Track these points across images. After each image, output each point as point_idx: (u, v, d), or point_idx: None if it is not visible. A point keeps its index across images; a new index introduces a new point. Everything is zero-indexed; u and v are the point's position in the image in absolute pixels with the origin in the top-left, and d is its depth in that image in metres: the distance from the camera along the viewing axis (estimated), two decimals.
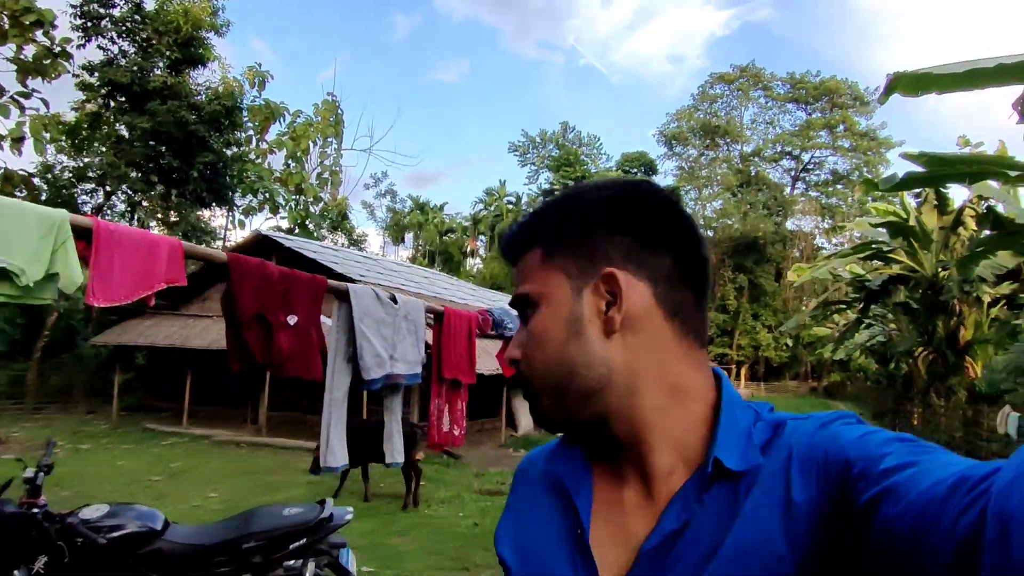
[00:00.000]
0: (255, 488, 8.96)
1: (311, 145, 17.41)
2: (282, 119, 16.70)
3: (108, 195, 18.85)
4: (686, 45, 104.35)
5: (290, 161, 18.10)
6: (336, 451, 3.09)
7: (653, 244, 0.66)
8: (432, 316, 3.87)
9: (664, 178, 52.37)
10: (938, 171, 10.44)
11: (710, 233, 50.14)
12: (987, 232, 14.86)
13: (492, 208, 45.63)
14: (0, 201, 1.74)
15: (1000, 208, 14.74)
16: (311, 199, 18.08)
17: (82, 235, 1.95)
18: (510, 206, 42.48)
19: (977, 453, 12.08)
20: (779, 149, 53.36)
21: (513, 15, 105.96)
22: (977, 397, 13.87)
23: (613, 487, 0.68)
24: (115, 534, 3.21)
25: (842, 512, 0.52)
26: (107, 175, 17.63)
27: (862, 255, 18.52)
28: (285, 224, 19.12)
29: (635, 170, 44.49)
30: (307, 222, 18.76)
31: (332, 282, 3.02)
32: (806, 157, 53.41)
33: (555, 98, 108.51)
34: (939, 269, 15.91)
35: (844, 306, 23.07)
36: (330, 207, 20.13)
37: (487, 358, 7.88)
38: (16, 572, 3.10)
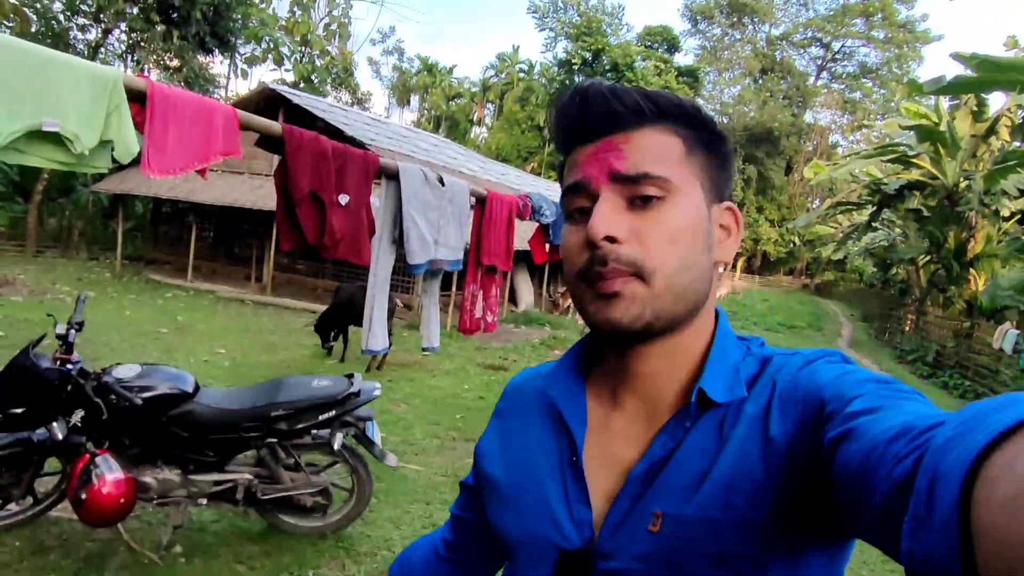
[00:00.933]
0: (259, 347, 9.12)
1: None
2: None
3: (105, 32, 17.72)
4: None
5: (295, 8, 16.87)
6: (378, 334, 3.03)
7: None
8: (474, 199, 3.70)
9: (685, 56, 49.92)
10: (988, 76, 9.94)
11: (725, 120, 48.61)
12: (1018, 144, 14.41)
13: (503, 75, 43.52)
14: (52, 57, 1.51)
15: None
16: (317, 52, 16.98)
17: (135, 98, 1.74)
18: (522, 74, 40.52)
19: (965, 364, 12.39)
20: (809, 35, 50.47)
21: None
22: (975, 310, 14.01)
23: (607, 412, 0.70)
24: (149, 394, 3.22)
25: (813, 448, 0.54)
26: (103, 9, 16.46)
27: (885, 158, 18.02)
28: (289, 77, 18.13)
29: (656, 45, 42.16)
30: (312, 76, 17.76)
31: (383, 160, 2.82)
32: (836, 46, 50.65)
33: None
34: (961, 178, 15.54)
35: (853, 207, 22.81)
36: (336, 61, 19.00)
37: None
38: (54, 423, 3.14)
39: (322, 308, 9.22)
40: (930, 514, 0.36)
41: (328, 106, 14.91)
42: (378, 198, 2.96)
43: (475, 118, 47.09)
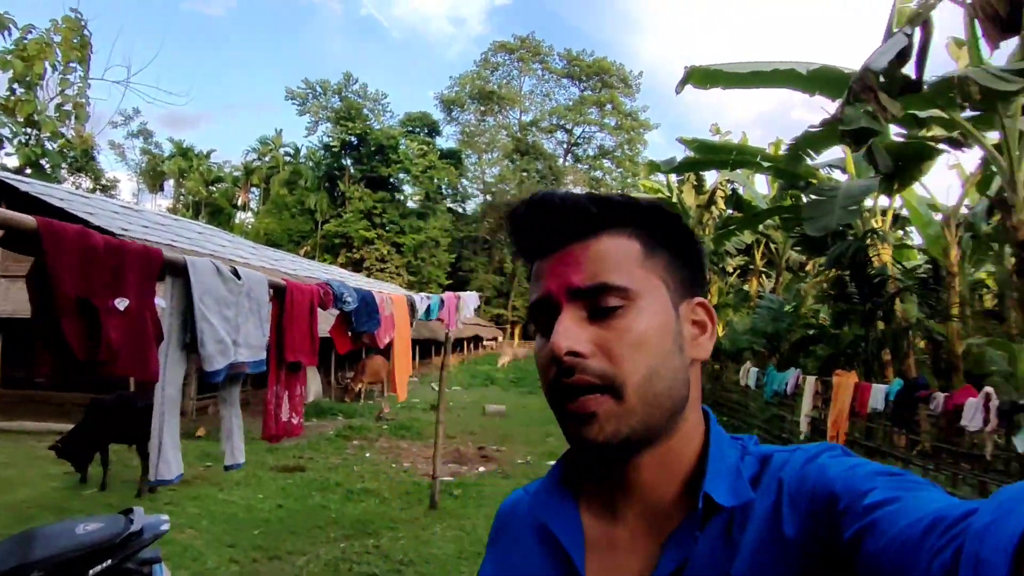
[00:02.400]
0: None
1: (48, 69, 14.21)
2: (6, 33, 13.37)
3: None
4: (467, 8, 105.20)
5: (16, 86, 14.69)
6: (171, 460, 2.54)
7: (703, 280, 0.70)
8: (272, 291, 3.37)
9: (446, 141, 52.81)
10: (706, 157, 11.82)
11: (488, 198, 51.89)
12: (730, 212, 17.23)
13: (267, 158, 41.99)
14: None
15: (741, 191, 17.20)
16: (47, 134, 14.84)
17: None
18: (288, 158, 39.49)
19: (722, 403, 14.10)
20: (554, 121, 56.57)
21: None
22: (721, 354, 16.14)
23: (604, 526, 0.66)
24: None
25: (831, 546, 0.52)
26: None
27: None
28: (13, 162, 15.51)
29: (419, 130, 44.00)
30: (42, 161, 15.38)
31: (168, 255, 2.44)
32: (577, 131, 57.34)
33: (333, 47, 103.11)
34: None
35: None
36: (73, 145, 16.70)
37: None
38: None
39: (70, 426, 7.71)
40: None
41: (66, 194, 13.00)
42: (163, 299, 2.54)
43: (239, 203, 44.55)
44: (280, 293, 3.43)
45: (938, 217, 10.85)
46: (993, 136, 7.05)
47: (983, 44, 6.83)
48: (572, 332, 0.61)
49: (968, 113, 7.04)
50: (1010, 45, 6.17)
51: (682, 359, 0.63)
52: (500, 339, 44.10)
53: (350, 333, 4.61)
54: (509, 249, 47.34)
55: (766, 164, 10.88)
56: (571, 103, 55.95)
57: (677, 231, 0.66)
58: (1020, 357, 8.47)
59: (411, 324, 5.73)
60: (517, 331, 49.69)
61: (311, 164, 38.86)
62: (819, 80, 7.30)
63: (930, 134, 8.32)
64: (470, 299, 7.44)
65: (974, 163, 9.91)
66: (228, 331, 2.74)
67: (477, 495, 7.27)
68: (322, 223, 36.28)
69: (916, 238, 13.02)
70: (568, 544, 0.65)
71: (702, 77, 7.96)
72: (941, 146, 8.38)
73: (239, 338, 2.85)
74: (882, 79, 3.38)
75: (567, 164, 57.34)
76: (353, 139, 36.57)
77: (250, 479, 7.88)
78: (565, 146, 58.08)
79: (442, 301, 6.51)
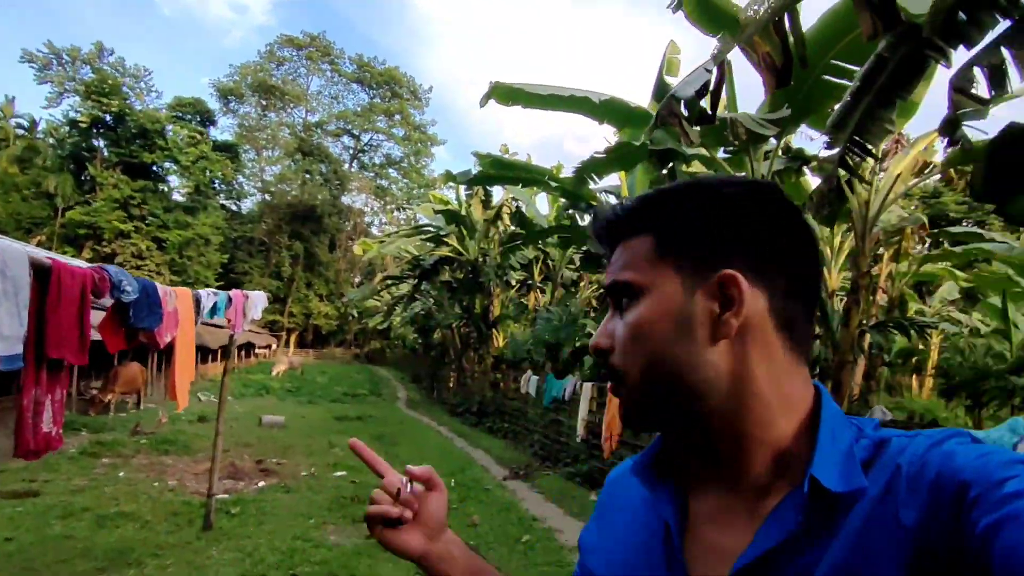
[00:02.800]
0: None
1: None
2: None
3: None
4: None
5: None
6: None
7: (775, 252, 0.64)
8: (32, 272, 2.79)
9: (222, 133, 48.64)
10: (500, 173, 12.30)
11: (267, 197, 48.79)
12: (514, 228, 18.11)
13: None
14: None
15: (524, 209, 18.19)
16: None
17: None
18: (20, 131, 33.13)
19: (503, 410, 14.67)
20: (341, 125, 55.04)
21: None
22: (502, 363, 16.82)
23: (704, 500, 0.67)
24: None
25: (955, 537, 0.50)
26: None
27: (423, 237, 20.56)
28: None
29: (189, 116, 39.76)
30: None
31: None
32: (365, 138, 56.39)
33: (86, 11, 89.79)
34: (480, 255, 18.74)
35: (397, 281, 25.27)
36: None
37: None
38: None
39: None
40: None
41: None
42: None
43: None
44: (43, 275, 2.85)
45: None
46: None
47: (737, 95, 8.04)
48: (601, 329, 0.68)
49: (723, 155, 8.20)
50: (759, 99, 7.35)
51: (693, 344, 0.62)
52: (274, 347, 41.46)
53: (124, 329, 4.00)
54: (288, 253, 44.95)
55: (553, 184, 11.60)
56: (360, 109, 54.90)
57: (702, 207, 0.65)
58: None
59: (196, 323, 5.13)
60: (293, 339, 47.13)
61: (52, 141, 33.09)
62: (608, 110, 7.98)
63: (691, 170, 9.53)
64: (258, 299, 6.87)
65: None
66: None
67: (258, 512, 6.69)
68: (63, 210, 31.06)
69: None
70: (667, 514, 0.67)
71: (505, 94, 8.27)
72: None
73: None
74: (684, 108, 3.83)
75: (353, 170, 56.05)
76: (108, 117, 31.95)
77: None
78: (352, 151, 56.76)
79: (230, 299, 5.94)
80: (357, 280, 52.43)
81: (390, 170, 57.26)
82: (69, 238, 31.36)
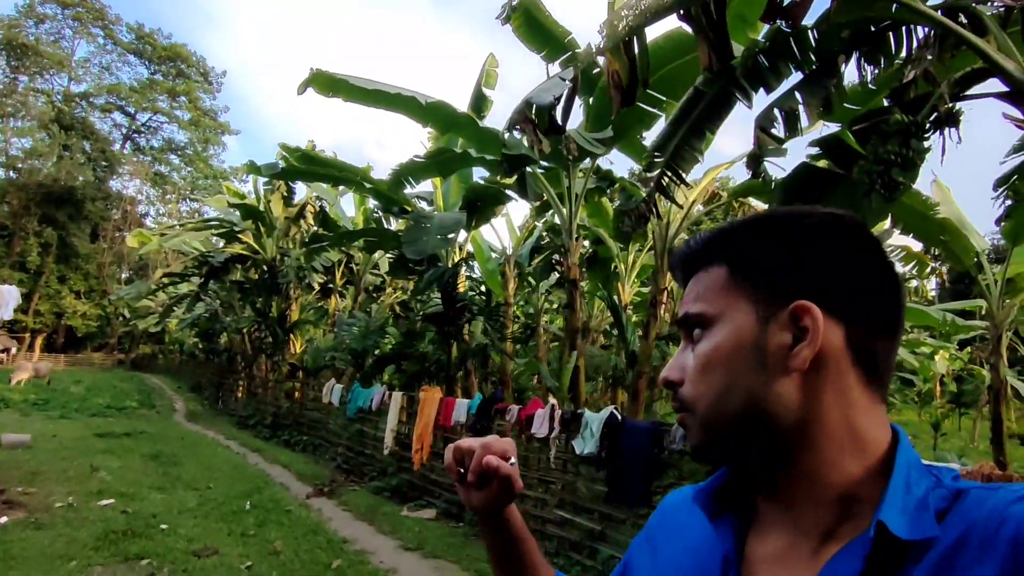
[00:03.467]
0: None
1: None
2: None
3: None
4: None
5: None
6: None
7: (853, 284, 0.63)
8: None
9: None
10: (310, 168, 11.59)
11: (12, 175, 41.32)
12: (316, 228, 17.21)
13: None
14: None
15: (328, 209, 17.36)
16: None
17: None
18: None
19: (302, 421, 13.75)
20: (113, 100, 48.42)
21: None
22: (300, 370, 15.78)
23: (764, 538, 0.65)
24: None
25: None
26: None
27: (215, 232, 18.71)
28: None
29: None
30: None
31: None
32: (142, 118, 50.24)
33: None
34: (279, 254, 17.51)
35: (179, 279, 22.74)
36: None
37: None
38: None
39: None
40: None
41: None
42: None
43: None
44: None
45: (494, 255, 12.79)
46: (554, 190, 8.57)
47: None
48: (672, 362, 0.69)
49: (540, 170, 8.44)
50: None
51: (764, 374, 0.61)
52: (13, 351, 35.08)
53: None
54: (36, 240, 38.40)
55: (368, 185, 11.16)
56: (137, 84, 48.74)
57: (776, 238, 0.65)
58: (548, 372, 10.32)
59: None
60: (39, 342, 40.23)
61: None
62: (434, 113, 7.80)
63: (505, 181, 9.70)
64: (9, 294, 5.64)
65: (521, 213, 12.00)
66: None
67: (2, 555, 5.44)
68: None
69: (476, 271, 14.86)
70: (727, 550, 0.66)
71: (326, 83, 7.72)
72: (509, 192, 9.83)
73: None
74: (537, 116, 3.80)
75: (126, 151, 49.62)
76: None
77: None
78: (125, 131, 50.21)
79: None
80: (125, 276, 46.38)
81: (171, 156, 51.56)
82: None
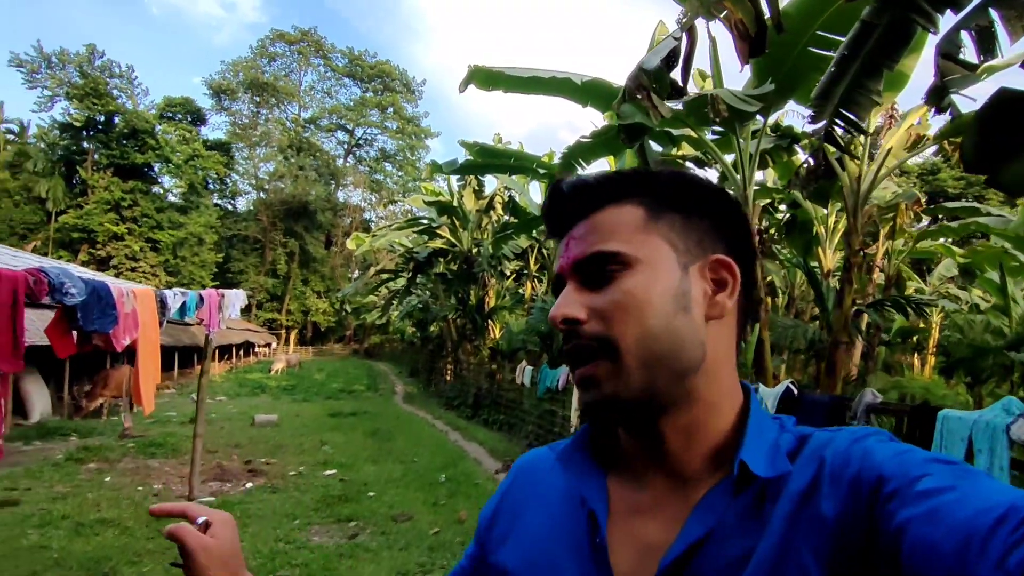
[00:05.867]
0: None
1: None
2: None
3: None
4: None
5: None
6: None
7: (747, 251, 0.67)
8: None
9: (214, 131, 48.38)
10: (488, 161, 12.08)
11: (261, 195, 48.55)
12: (507, 217, 17.92)
13: None
14: None
15: (517, 198, 17.97)
16: None
17: None
18: (11, 136, 32.82)
19: (498, 401, 14.53)
20: (335, 120, 54.65)
21: None
22: (498, 354, 16.65)
23: (630, 491, 0.65)
24: None
25: (871, 530, 0.51)
26: None
27: (416, 229, 20.36)
28: None
29: (180, 116, 39.53)
30: None
31: None
32: (359, 132, 56.02)
33: (74, 13, 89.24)
34: (474, 246, 18.54)
35: (392, 275, 25.08)
36: None
37: None
38: None
39: None
40: None
41: None
42: None
43: None
44: None
45: None
46: (729, 157, 8.07)
47: (723, 72, 7.81)
48: (569, 300, 0.63)
49: (711, 136, 7.98)
50: (746, 75, 7.13)
51: (689, 320, 0.62)
52: (274, 345, 41.36)
53: (76, 333, 3.82)
54: (283, 250, 44.71)
55: (542, 171, 11.39)
56: (352, 103, 54.50)
57: (692, 192, 0.66)
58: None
59: (161, 324, 4.96)
60: (293, 336, 47.02)
61: (43, 145, 32.82)
62: (591, 92, 7.75)
63: (680, 153, 9.32)
64: (235, 297, 6.71)
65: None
66: None
67: (242, 515, 6.53)
68: (57, 214, 30.87)
69: None
70: (592, 501, 0.64)
71: (485, 78, 8.04)
72: (688, 164, 9.43)
73: None
74: (653, 80, 3.63)
75: (348, 164, 55.74)
76: (100, 119, 31.67)
77: None
78: (346, 146, 56.42)
79: (201, 298, 5.76)
80: (354, 275, 52.29)
81: (385, 164, 56.92)
82: (63, 242, 31.22)
